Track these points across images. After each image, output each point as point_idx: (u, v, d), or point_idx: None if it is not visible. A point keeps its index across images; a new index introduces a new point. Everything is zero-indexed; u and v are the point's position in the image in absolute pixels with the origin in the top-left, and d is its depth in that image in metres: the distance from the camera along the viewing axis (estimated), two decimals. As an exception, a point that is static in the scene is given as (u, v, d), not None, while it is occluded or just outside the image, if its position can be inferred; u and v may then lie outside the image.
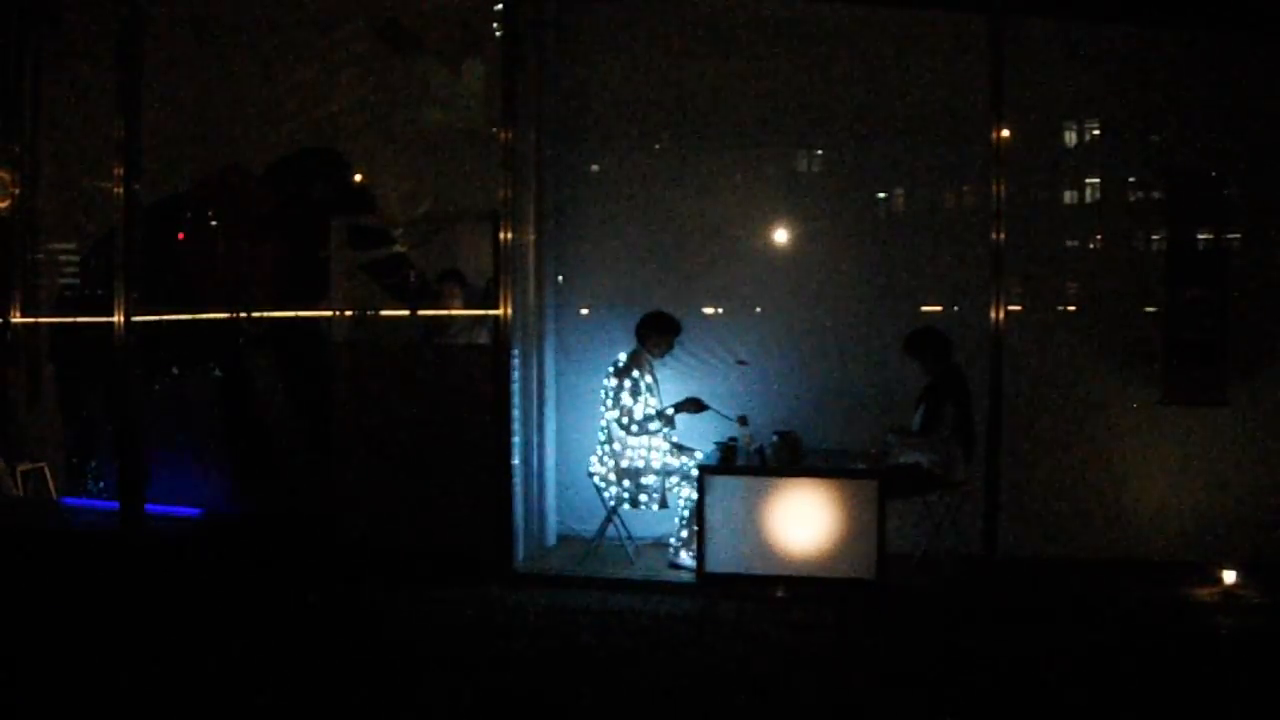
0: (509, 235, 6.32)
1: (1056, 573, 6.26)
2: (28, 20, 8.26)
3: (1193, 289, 6.48)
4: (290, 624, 5.59)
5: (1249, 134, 6.39)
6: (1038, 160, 6.62)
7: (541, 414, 6.77)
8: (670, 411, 6.35)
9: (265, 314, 7.45)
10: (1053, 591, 6.04)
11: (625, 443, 6.34)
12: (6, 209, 8.24)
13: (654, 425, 6.29)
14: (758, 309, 7.01)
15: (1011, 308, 6.17)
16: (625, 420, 6.30)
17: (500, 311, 6.30)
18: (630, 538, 6.57)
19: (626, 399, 6.30)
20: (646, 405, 6.33)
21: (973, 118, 6.27)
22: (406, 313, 6.87)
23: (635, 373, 6.33)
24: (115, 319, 6.99)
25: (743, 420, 6.22)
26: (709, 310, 7.04)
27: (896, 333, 6.52)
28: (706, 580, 6.02)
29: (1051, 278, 6.70)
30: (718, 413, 6.35)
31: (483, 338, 6.59)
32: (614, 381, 6.34)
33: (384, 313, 6.85)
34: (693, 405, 6.35)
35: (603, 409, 6.41)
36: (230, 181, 7.59)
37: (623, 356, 6.41)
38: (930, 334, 6.22)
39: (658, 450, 6.39)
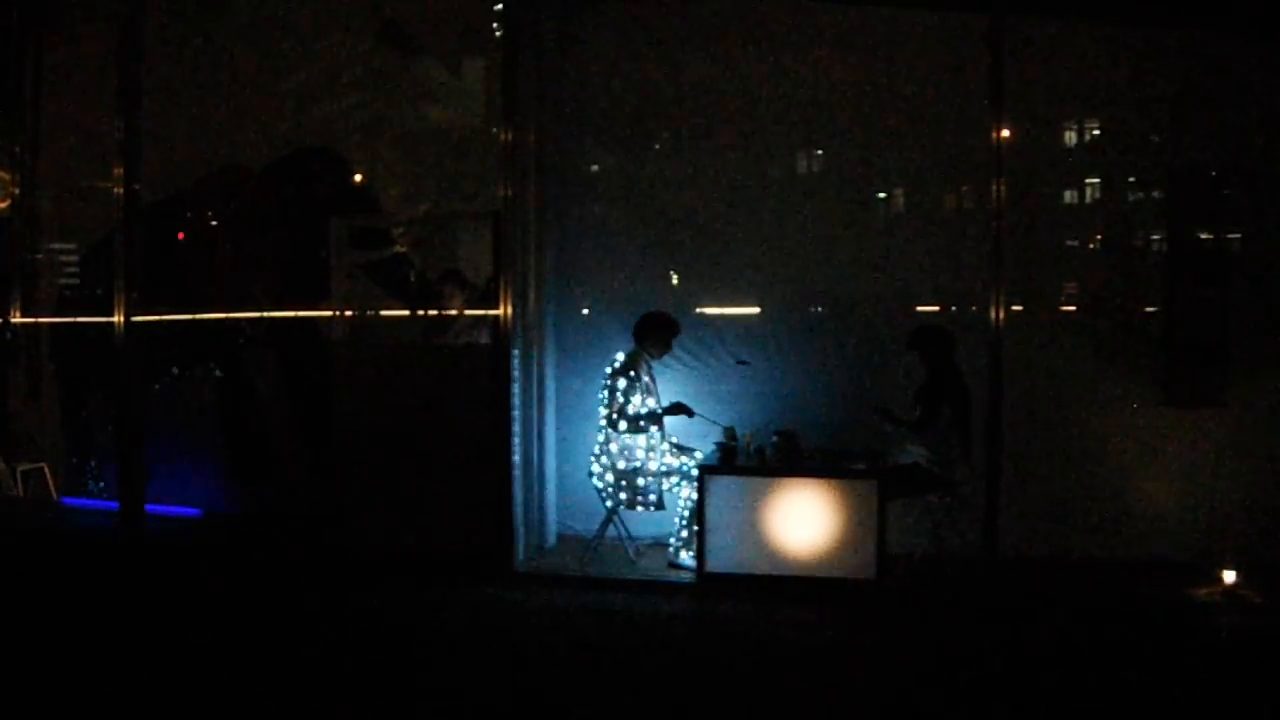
0: (509, 235, 6.32)
1: (1056, 573, 6.25)
2: (28, 20, 8.27)
3: (1193, 289, 6.47)
4: (290, 624, 5.59)
5: (1249, 134, 6.39)
6: (1038, 160, 6.62)
7: (541, 414, 6.77)
8: (659, 411, 6.35)
9: (265, 314, 7.45)
10: (1053, 591, 6.03)
11: (623, 442, 6.34)
12: (6, 209, 8.25)
13: (643, 423, 6.29)
14: (758, 309, 7.01)
15: (1012, 307, 6.16)
16: (615, 417, 6.31)
17: (500, 311, 6.30)
18: (630, 538, 6.57)
19: (619, 397, 6.31)
20: (643, 405, 6.33)
21: (973, 118, 6.27)
22: (406, 313, 6.87)
23: (632, 372, 6.33)
24: (115, 319, 7.00)
25: (730, 433, 6.23)
26: (709, 310, 7.04)
27: (896, 333, 6.52)
28: (706, 580, 6.02)
29: (1051, 278, 6.69)
30: (705, 419, 6.35)
31: (483, 338, 6.59)
32: (610, 381, 6.34)
33: (384, 313, 6.84)
34: (680, 410, 6.34)
35: (602, 408, 6.41)
36: (230, 181, 7.60)
37: (621, 356, 6.41)
38: (934, 331, 6.23)
39: (656, 451, 6.39)
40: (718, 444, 6.33)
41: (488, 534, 6.30)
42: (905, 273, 6.78)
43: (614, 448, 6.34)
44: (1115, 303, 6.58)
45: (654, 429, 6.42)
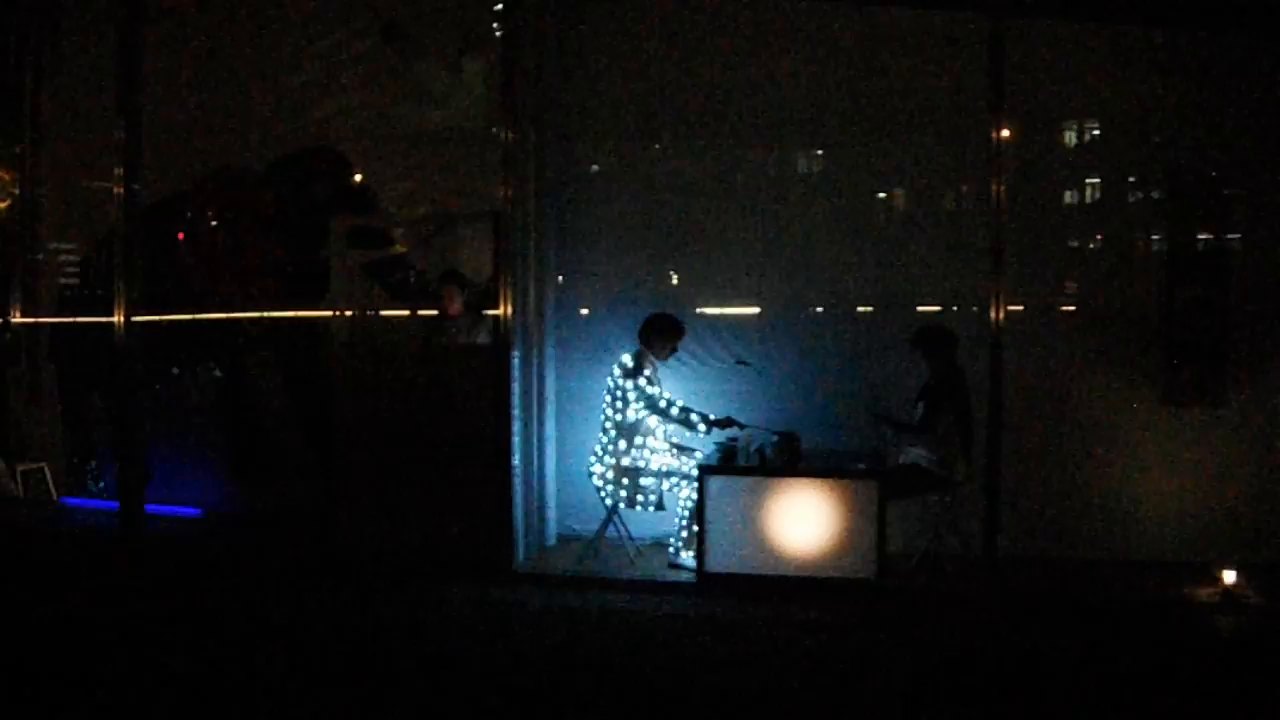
0: (509, 235, 6.32)
1: (1056, 573, 6.25)
2: (28, 20, 8.27)
3: (1193, 289, 6.48)
4: (290, 623, 5.59)
5: (1249, 134, 6.39)
6: (1038, 160, 6.62)
7: (541, 414, 6.77)
8: (712, 417, 6.27)
9: (265, 314, 7.45)
10: (1053, 591, 6.03)
11: (631, 441, 6.32)
12: (6, 209, 8.26)
13: (694, 418, 6.26)
14: (758, 309, 7.01)
15: (1011, 308, 6.16)
16: (664, 404, 6.26)
17: (500, 311, 6.30)
18: (630, 538, 6.57)
19: (654, 390, 6.29)
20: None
21: (973, 118, 6.27)
22: (406, 313, 6.87)
23: (646, 371, 6.33)
24: (115, 319, 7.00)
25: (791, 436, 6.10)
26: (709, 310, 7.04)
27: (896, 333, 6.52)
28: (706, 580, 6.02)
29: (1051, 278, 6.69)
30: (759, 429, 6.18)
31: (483, 338, 6.59)
32: (629, 381, 6.29)
33: (384, 313, 6.84)
34: (730, 423, 6.26)
35: (605, 409, 6.40)
36: (230, 181, 7.60)
37: (627, 357, 6.38)
38: (938, 331, 6.23)
39: (658, 451, 6.39)
40: (717, 444, 6.33)
41: (488, 534, 6.30)
42: (905, 273, 6.78)
43: (616, 447, 6.34)
44: (1115, 303, 6.58)
45: (659, 429, 6.43)
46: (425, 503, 6.38)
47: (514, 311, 6.31)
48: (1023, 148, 6.42)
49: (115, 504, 7.23)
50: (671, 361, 6.67)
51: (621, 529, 6.50)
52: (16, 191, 8.25)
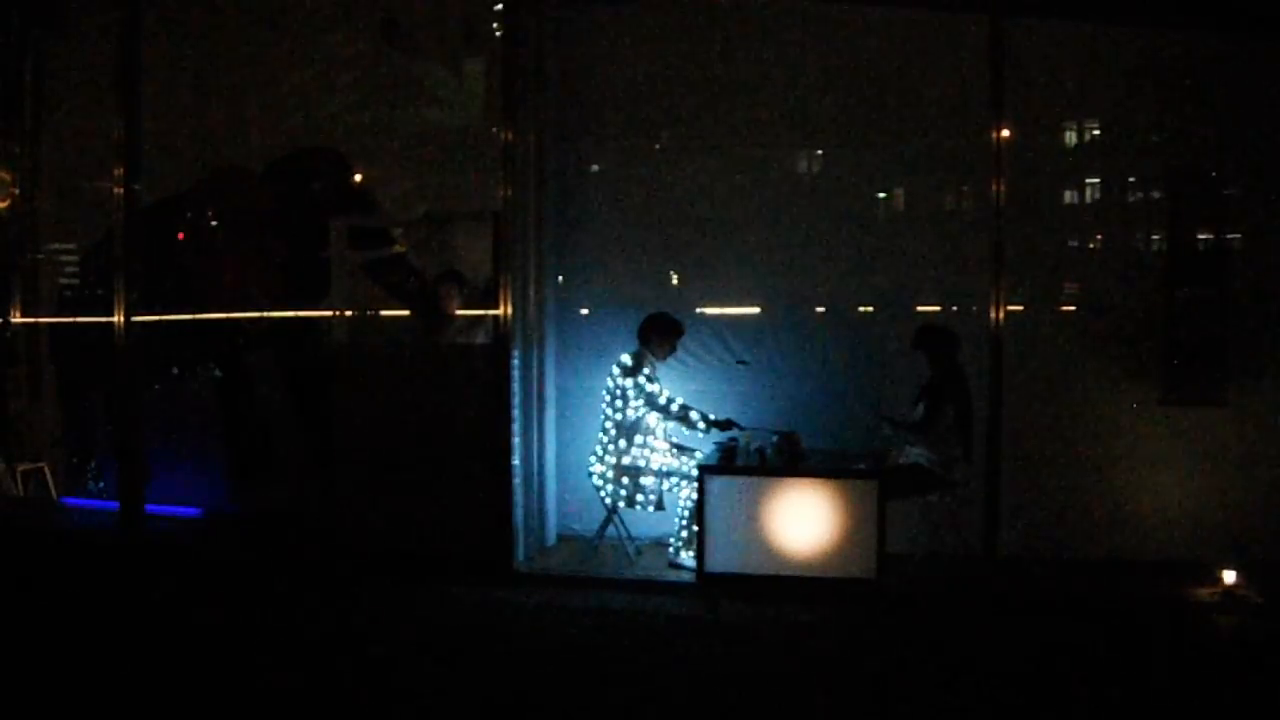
0: (509, 235, 6.32)
1: (1056, 573, 6.25)
2: (28, 20, 8.27)
3: (1193, 289, 6.48)
4: (290, 623, 5.59)
5: (1249, 134, 6.38)
6: (1038, 160, 6.62)
7: (541, 414, 6.77)
8: (712, 417, 6.31)
9: (265, 314, 7.45)
10: (1053, 591, 6.03)
11: (631, 440, 6.33)
12: (6, 209, 8.25)
13: (694, 415, 6.28)
14: (758, 309, 7.01)
15: (1011, 308, 6.16)
16: (664, 401, 6.28)
17: (500, 311, 6.30)
18: (630, 538, 6.57)
19: (653, 387, 6.30)
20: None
21: (973, 118, 6.27)
22: (406, 313, 6.87)
23: (646, 369, 6.33)
24: (115, 319, 7.00)
25: (792, 436, 6.11)
26: (709, 310, 7.04)
27: (896, 333, 6.53)
28: (706, 580, 6.01)
29: (1051, 278, 6.69)
30: (759, 429, 6.19)
31: (482, 338, 6.59)
32: (629, 379, 6.30)
33: (384, 313, 6.84)
34: (730, 425, 6.28)
35: (605, 409, 6.40)
36: (230, 181, 7.60)
37: (627, 357, 6.39)
38: (940, 330, 6.23)
39: (657, 451, 6.39)
40: (717, 444, 6.32)
41: (488, 534, 6.30)
42: (905, 273, 6.78)
43: (616, 446, 6.34)
44: (1115, 303, 6.58)
45: (659, 429, 6.43)
46: (425, 503, 6.38)
47: (514, 311, 6.31)
48: (1023, 148, 6.41)
49: (115, 504, 7.23)
50: (671, 361, 6.68)
51: (621, 529, 6.51)
52: (16, 191, 8.24)
